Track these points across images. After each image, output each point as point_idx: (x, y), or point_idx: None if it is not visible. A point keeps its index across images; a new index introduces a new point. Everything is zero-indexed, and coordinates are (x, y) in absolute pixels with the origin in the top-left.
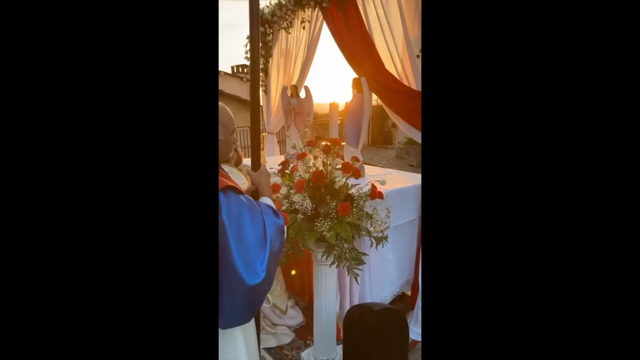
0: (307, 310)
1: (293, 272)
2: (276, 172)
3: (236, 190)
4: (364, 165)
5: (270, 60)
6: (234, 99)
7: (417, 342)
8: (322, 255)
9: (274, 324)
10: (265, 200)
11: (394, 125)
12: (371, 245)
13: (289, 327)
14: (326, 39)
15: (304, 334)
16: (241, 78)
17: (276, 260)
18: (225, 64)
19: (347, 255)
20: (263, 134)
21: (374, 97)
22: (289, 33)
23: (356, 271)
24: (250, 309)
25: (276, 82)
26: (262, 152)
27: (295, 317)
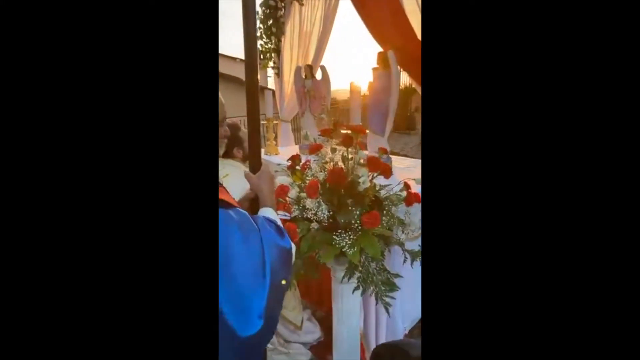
0: (326, 322)
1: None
2: (285, 168)
3: (223, 204)
4: (390, 157)
5: (283, 39)
6: (233, 81)
7: None
8: (344, 277)
9: (287, 341)
10: (267, 212)
11: (417, 109)
12: (404, 261)
13: (305, 343)
14: (346, 11)
15: (323, 352)
16: (234, 58)
17: (280, 296)
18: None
19: (374, 277)
20: (276, 121)
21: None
22: (302, 4)
23: (387, 300)
24: None
25: (289, 62)
26: (274, 142)
27: (312, 331)
